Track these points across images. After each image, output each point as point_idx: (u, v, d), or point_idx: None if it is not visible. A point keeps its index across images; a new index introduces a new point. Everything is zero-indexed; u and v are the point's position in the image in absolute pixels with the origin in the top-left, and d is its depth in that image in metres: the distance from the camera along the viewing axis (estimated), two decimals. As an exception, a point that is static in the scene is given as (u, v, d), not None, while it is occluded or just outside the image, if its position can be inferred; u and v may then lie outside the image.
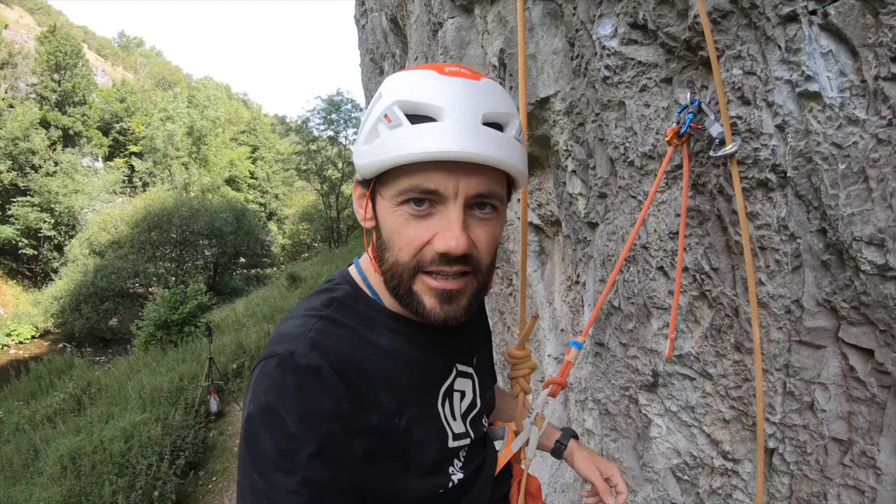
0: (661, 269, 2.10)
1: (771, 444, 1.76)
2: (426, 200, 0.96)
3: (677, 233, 1.97)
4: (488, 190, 0.98)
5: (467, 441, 1.21)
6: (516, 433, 1.48)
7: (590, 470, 1.44)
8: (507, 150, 0.96)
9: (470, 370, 1.28)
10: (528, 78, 2.78)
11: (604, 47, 2.08)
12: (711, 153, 1.68)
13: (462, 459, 1.19)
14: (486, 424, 1.37)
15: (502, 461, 1.40)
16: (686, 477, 2.08)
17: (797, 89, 1.50)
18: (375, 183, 1.02)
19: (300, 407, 0.92)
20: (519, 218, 3.22)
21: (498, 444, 1.50)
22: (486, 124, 0.94)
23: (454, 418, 1.19)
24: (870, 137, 1.38)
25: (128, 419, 9.42)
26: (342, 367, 0.98)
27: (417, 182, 0.94)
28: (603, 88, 2.17)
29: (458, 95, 0.94)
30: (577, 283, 2.76)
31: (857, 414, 1.53)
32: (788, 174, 1.57)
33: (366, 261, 1.17)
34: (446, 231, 0.95)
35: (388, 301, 1.11)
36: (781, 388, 1.69)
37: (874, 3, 1.32)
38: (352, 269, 1.19)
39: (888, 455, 1.46)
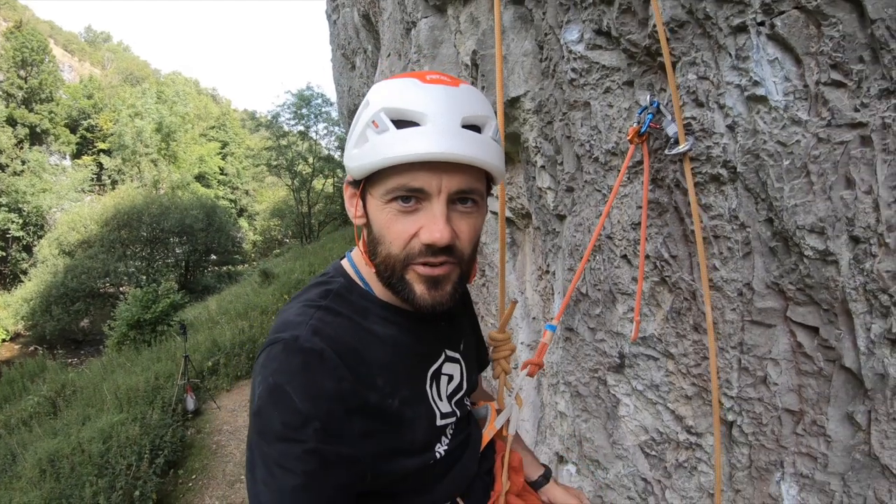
0: (624, 257, 2.22)
1: (730, 417, 1.90)
2: (412, 198, 1.04)
3: (639, 224, 2.10)
4: (469, 186, 1.07)
5: (453, 419, 1.31)
6: (498, 412, 1.57)
7: (569, 497, 1.59)
8: (485, 150, 1.05)
9: (458, 356, 1.37)
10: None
11: (570, 51, 2.18)
12: (667, 151, 1.80)
13: (448, 436, 1.29)
14: (469, 404, 1.48)
15: (486, 438, 1.50)
16: (654, 452, 2.22)
17: (746, 93, 1.62)
18: (365, 183, 1.11)
19: (305, 386, 1.00)
20: (492, 212, 3.32)
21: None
22: (465, 127, 1.03)
23: (441, 399, 1.29)
24: (811, 136, 1.51)
25: (105, 420, 9.21)
26: (342, 351, 1.06)
27: (404, 181, 1.03)
28: (570, 89, 2.27)
29: (440, 101, 1.03)
30: (547, 272, 2.88)
31: (807, 386, 1.67)
32: (738, 169, 1.69)
33: (357, 255, 1.25)
34: (431, 224, 1.04)
35: (379, 292, 1.19)
36: (737, 364, 1.83)
37: (816, 16, 1.44)
38: (344, 263, 1.27)
39: (836, 423, 1.61)
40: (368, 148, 1.05)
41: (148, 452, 7.85)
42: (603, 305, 2.38)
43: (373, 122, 1.05)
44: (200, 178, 50.00)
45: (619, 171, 2.14)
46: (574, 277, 1.90)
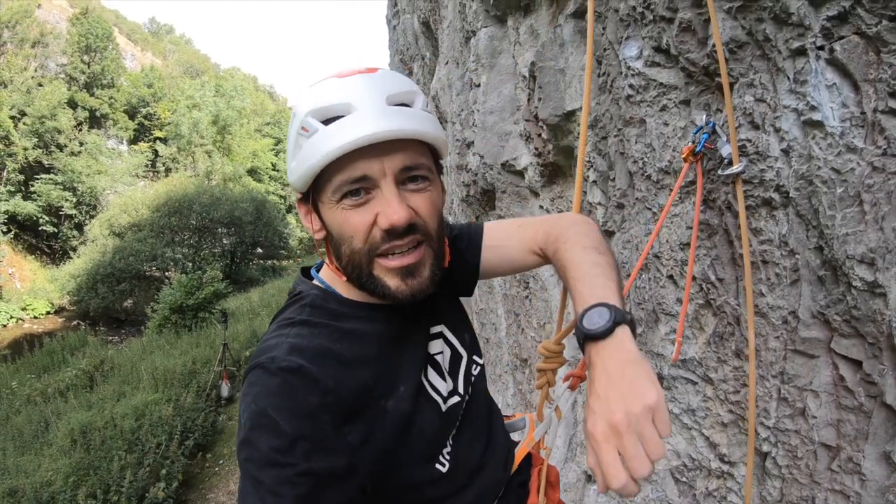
0: (670, 277, 2.20)
1: (765, 448, 1.85)
2: (360, 189, 1.04)
3: (687, 244, 2.08)
4: (413, 162, 1.06)
5: (458, 398, 1.27)
6: (537, 423, 1.53)
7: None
8: (417, 122, 1.04)
9: (439, 328, 1.32)
10: (556, 91, 2.90)
11: (629, 67, 2.19)
12: (721, 172, 1.79)
13: (457, 422, 1.26)
14: (479, 365, 1.43)
15: (524, 450, 1.47)
16: (684, 479, 2.18)
17: (802, 117, 1.60)
18: (313, 194, 1.10)
19: (288, 405, 0.97)
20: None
21: (516, 436, 1.60)
22: (392, 105, 1.03)
23: (443, 379, 1.25)
24: (866, 165, 1.48)
25: (139, 398, 9.57)
26: (323, 362, 1.04)
27: (346, 175, 1.02)
28: (626, 106, 2.28)
29: (360, 88, 1.03)
30: (591, 288, 2.86)
31: (846, 421, 1.62)
32: (791, 194, 1.67)
33: (326, 272, 1.24)
34: (385, 208, 1.03)
35: (354, 295, 1.18)
36: (776, 393, 1.79)
37: (877, 42, 1.42)
38: (314, 280, 1.26)
39: (873, 462, 1.55)
40: (303, 155, 1.05)
41: (178, 433, 8.10)
42: (645, 325, 2.36)
43: (302, 128, 1.06)
44: (252, 172, 51.43)
45: (670, 189, 2.13)
46: (622, 293, 1.90)
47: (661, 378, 2.28)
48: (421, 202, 1.08)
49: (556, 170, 3.22)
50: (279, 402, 0.98)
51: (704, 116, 1.89)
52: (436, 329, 1.31)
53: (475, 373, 1.39)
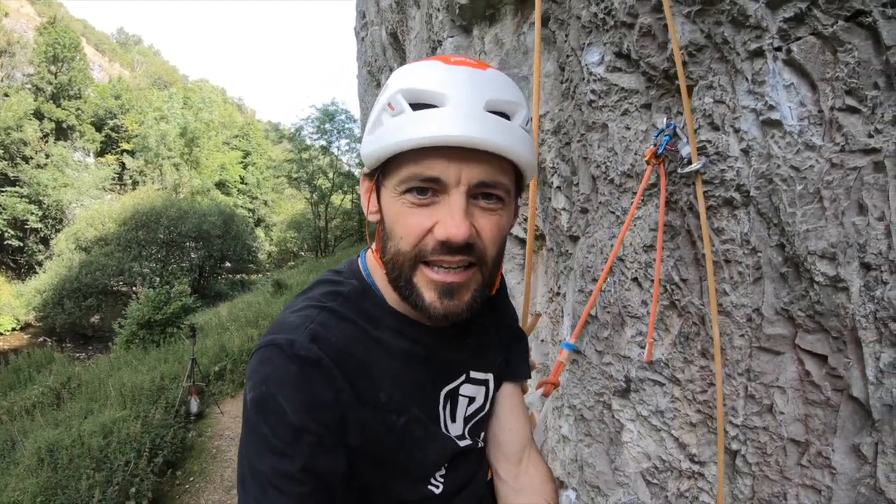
0: (635, 280, 2.21)
1: (734, 446, 1.86)
2: (429, 189, 0.94)
3: (651, 246, 2.09)
4: (492, 179, 0.95)
5: (463, 444, 1.19)
6: None
7: None
8: (511, 138, 0.93)
9: (487, 377, 1.24)
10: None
11: (591, 73, 2.21)
12: (680, 170, 1.81)
13: (454, 465, 1.18)
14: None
15: None
16: (655, 481, 2.18)
17: (761, 117, 1.63)
18: (380, 174, 1.01)
19: (300, 397, 0.92)
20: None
21: None
22: (491, 112, 0.93)
23: (453, 420, 1.18)
24: (824, 162, 1.51)
25: (107, 415, 9.21)
26: (342, 360, 0.97)
27: (419, 170, 0.92)
28: (588, 111, 2.29)
29: (462, 82, 0.93)
30: (558, 294, 2.87)
31: (813, 416, 1.64)
32: (751, 193, 1.69)
33: (370, 257, 1.14)
34: (447, 218, 0.93)
35: (392, 299, 1.09)
36: (743, 391, 1.81)
37: (833, 42, 1.45)
38: (358, 264, 1.17)
39: (842, 455, 1.57)
40: (382, 133, 0.95)
41: (147, 451, 7.82)
42: (612, 328, 2.36)
43: (389, 104, 0.96)
44: (221, 185, 50.56)
45: (633, 193, 2.14)
46: (591, 298, 1.90)
47: (628, 381, 2.28)
48: (487, 223, 0.98)
49: (535, 153, 3.22)
50: (291, 391, 0.92)
51: (665, 119, 1.91)
52: (481, 375, 1.24)
53: (481, 436, 1.34)
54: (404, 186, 0.95)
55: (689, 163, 1.78)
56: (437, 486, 1.13)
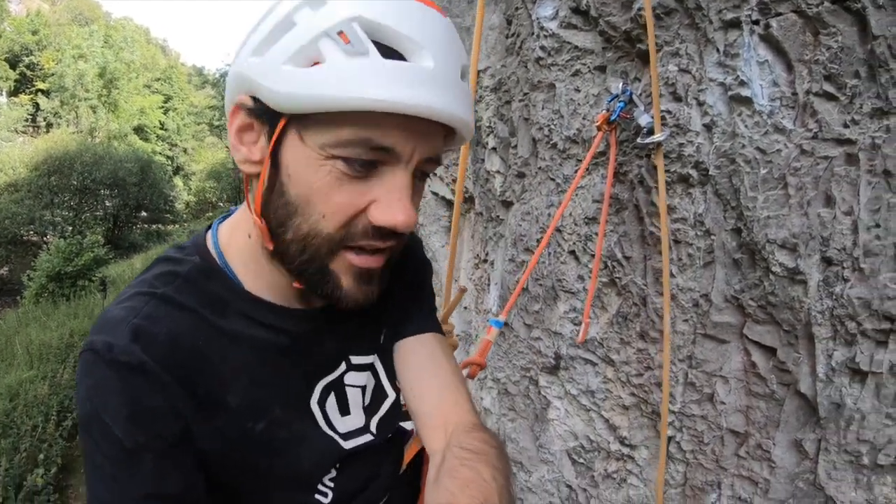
0: (572, 253, 2.09)
1: (669, 433, 1.81)
2: (374, 161, 0.74)
3: (594, 219, 1.97)
4: (437, 154, 0.80)
5: (364, 439, 1.00)
6: None
7: None
8: (470, 108, 0.78)
9: (369, 359, 1.03)
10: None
11: (542, 28, 2.02)
12: (639, 140, 1.67)
13: (347, 467, 0.98)
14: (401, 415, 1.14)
15: (415, 448, 1.25)
16: (582, 460, 2.11)
17: (729, 92, 1.51)
18: (292, 120, 0.74)
19: (126, 412, 0.74)
20: (433, 193, 3.14)
21: (410, 425, 1.41)
22: (461, 79, 0.76)
23: (346, 414, 0.98)
24: (794, 147, 1.41)
25: (13, 376, 8.48)
26: (173, 360, 0.78)
27: (370, 135, 0.71)
28: (535, 69, 2.11)
29: (440, 35, 0.73)
30: (485, 261, 2.72)
31: (755, 408, 1.59)
32: (710, 172, 1.58)
33: (228, 228, 0.92)
34: (394, 202, 0.75)
35: (249, 279, 0.88)
36: (683, 378, 1.74)
37: (816, 23, 1.34)
38: (208, 238, 0.92)
39: (783, 449, 1.53)
40: (326, 74, 0.68)
41: (55, 414, 7.28)
42: (543, 302, 2.25)
43: (339, 33, 0.68)
44: (139, 130, 47.01)
45: (577, 160, 2.00)
46: (526, 271, 1.75)
47: (558, 357, 2.19)
48: (417, 202, 0.83)
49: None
50: (116, 406, 0.74)
51: (621, 85, 1.76)
52: (363, 359, 1.03)
53: (395, 423, 1.12)
54: (341, 151, 0.72)
55: (650, 133, 1.64)
56: (326, 494, 0.95)
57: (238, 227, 0.89)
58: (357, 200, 0.75)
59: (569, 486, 2.17)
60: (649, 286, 1.83)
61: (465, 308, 3.01)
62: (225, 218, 0.95)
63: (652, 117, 1.64)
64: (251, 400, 0.84)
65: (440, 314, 1.49)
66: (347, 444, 0.96)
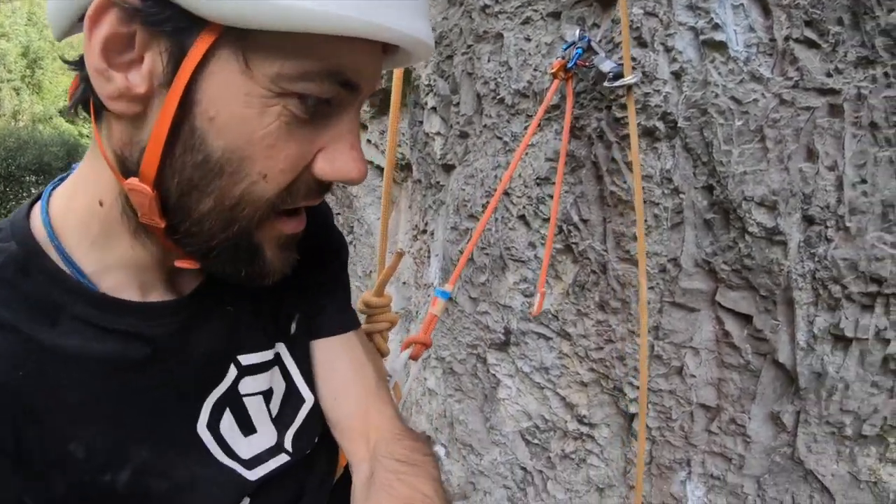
0: (522, 217, 1.92)
1: (632, 409, 1.68)
2: (334, 100, 0.56)
3: (546, 179, 1.80)
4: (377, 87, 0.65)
5: (278, 461, 0.77)
6: None
7: None
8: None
9: (268, 356, 0.79)
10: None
11: (489, -28, 1.82)
12: (606, 84, 1.49)
13: (259, 498, 0.75)
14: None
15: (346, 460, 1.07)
16: (536, 440, 1.97)
17: (701, 37, 1.37)
18: (226, 37, 0.50)
19: None
20: (367, 161, 2.89)
21: None
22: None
23: (252, 431, 0.75)
24: (772, 97, 1.28)
25: None
26: None
27: (342, 66, 0.54)
28: (480, 18, 1.91)
29: None
30: (424, 232, 2.52)
31: (728, 381, 1.47)
32: (679, 124, 1.44)
33: (65, 195, 0.65)
34: (346, 150, 0.59)
35: (93, 263, 0.62)
36: (649, 350, 1.60)
37: (796, -40, 1.19)
38: (34, 213, 0.64)
39: (759, 423, 1.42)
40: None
41: None
42: (490, 273, 2.07)
43: None
44: (65, 112, 44.48)
45: (528, 115, 1.81)
46: (473, 238, 1.57)
47: (508, 332, 2.02)
48: None
49: (388, 99, 2.74)
50: None
51: (578, 31, 1.58)
52: (258, 358, 0.77)
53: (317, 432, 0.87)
54: (303, 87, 0.53)
55: (616, 77, 1.46)
56: None
57: (82, 192, 0.63)
58: (306, 151, 0.58)
59: (523, 469, 2.03)
60: (609, 251, 1.68)
61: (404, 283, 2.80)
62: (62, 181, 0.68)
63: (618, 63, 1.47)
64: (104, 445, 0.60)
65: (373, 288, 1.29)
66: (255, 474, 0.73)
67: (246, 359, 0.75)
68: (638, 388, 1.64)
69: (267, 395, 0.78)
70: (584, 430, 1.82)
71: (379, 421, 0.83)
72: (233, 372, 0.73)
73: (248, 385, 0.75)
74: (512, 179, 1.91)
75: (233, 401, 0.73)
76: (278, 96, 0.52)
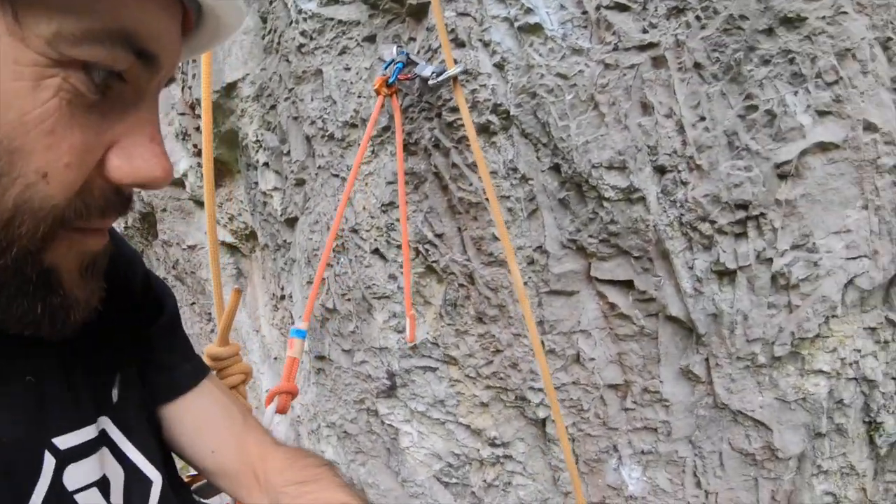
0: (376, 251, 1.79)
1: (541, 414, 1.59)
2: (119, 73, 0.43)
3: (392, 203, 1.69)
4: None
5: None
6: None
7: None
8: None
9: (92, 433, 0.59)
10: (213, 63, 2.22)
11: (300, 12, 1.75)
12: (431, 83, 1.43)
13: None
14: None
15: None
16: (454, 479, 1.82)
17: (517, 23, 1.35)
18: None
19: None
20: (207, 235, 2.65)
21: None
22: None
23: None
24: (595, 64, 1.29)
25: None
26: None
27: (135, 27, 0.42)
28: (297, 59, 1.80)
29: None
30: (283, 297, 2.30)
31: (629, 352, 1.43)
32: (512, 113, 1.40)
33: None
34: (146, 144, 0.46)
35: None
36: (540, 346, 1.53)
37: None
38: None
39: (672, 384, 1.39)
40: None
41: None
42: (357, 318, 1.91)
43: None
44: None
45: (358, 146, 1.71)
46: (315, 282, 1.43)
47: (392, 376, 1.87)
48: None
49: (220, 168, 2.51)
50: None
51: (395, 49, 1.52)
52: (83, 437, 0.58)
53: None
54: (87, 52, 0.40)
55: (440, 74, 1.41)
56: None
57: None
58: (95, 143, 0.44)
59: (448, 515, 1.86)
60: (473, 259, 1.59)
61: (276, 359, 2.55)
62: None
63: (440, 65, 1.43)
64: None
65: (216, 339, 1.20)
66: None
67: (63, 441, 0.56)
68: (541, 390, 1.56)
69: (102, 485, 0.59)
70: (500, 452, 1.70)
71: (260, 452, 0.79)
72: (49, 461, 0.54)
73: (75, 476, 0.56)
74: (357, 214, 1.79)
75: (61, 499, 0.54)
76: (57, 65, 0.39)
